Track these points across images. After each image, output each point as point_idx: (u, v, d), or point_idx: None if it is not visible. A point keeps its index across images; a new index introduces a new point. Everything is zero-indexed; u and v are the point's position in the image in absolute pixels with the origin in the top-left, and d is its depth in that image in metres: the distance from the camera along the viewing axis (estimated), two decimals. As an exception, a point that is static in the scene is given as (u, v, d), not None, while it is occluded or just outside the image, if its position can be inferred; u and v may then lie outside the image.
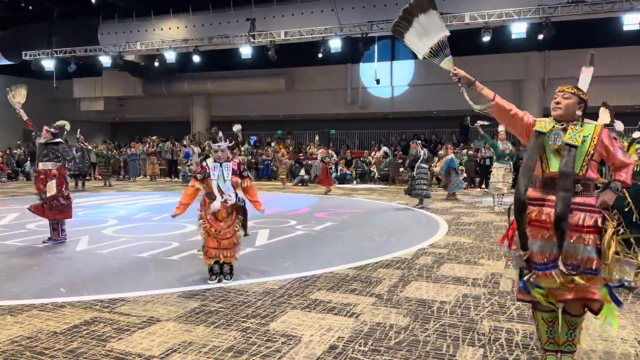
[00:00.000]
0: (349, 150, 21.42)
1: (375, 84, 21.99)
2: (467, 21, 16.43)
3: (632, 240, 4.68)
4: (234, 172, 5.10)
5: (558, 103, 3.00)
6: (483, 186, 16.34)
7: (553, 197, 2.87)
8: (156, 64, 22.57)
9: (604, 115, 5.56)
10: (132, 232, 8.20)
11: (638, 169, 4.74)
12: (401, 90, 23.43)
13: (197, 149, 19.51)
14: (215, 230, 5.02)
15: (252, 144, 25.52)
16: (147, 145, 21.69)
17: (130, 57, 23.95)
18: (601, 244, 2.83)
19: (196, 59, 20.70)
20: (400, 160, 18.41)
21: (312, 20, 19.18)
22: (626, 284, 4.84)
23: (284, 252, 6.66)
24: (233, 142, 16.04)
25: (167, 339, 3.67)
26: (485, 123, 10.01)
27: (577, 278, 2.82)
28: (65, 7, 23.45)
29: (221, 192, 5.01)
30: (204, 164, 5.20)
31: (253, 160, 21.16)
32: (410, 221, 9.73)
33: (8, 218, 9.64)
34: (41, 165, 7.30)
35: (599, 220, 2.86)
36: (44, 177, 7.23)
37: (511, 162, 11.09)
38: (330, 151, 17.85)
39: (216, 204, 4.98)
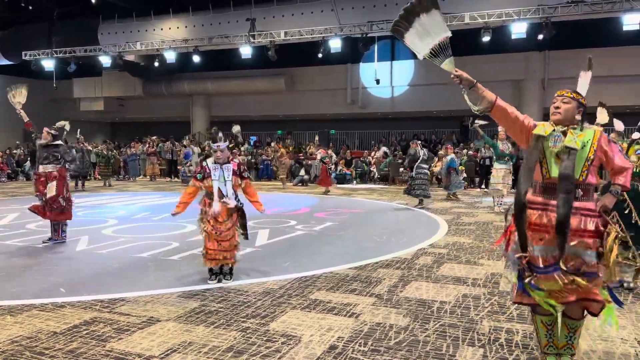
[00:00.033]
0: (348, 150, 21.43)
1: (375, 84, 21.98)
2: (467, 21, 16.43)
3: (630, 243, 4.70)
4: (234, 173, 5.10)
5: (557, 108, 3.00)
6: (483, 186, 16.34)
7: (554, 202, 2.88)
8: (156, 64, 22.56)
9: (602, 115, 5.57)
10: (132, 232, 8.20)
11: (637, 170, 4.74)
12: (401, 90, 23.42)
13: (197, 149, 19.52)
14: (216, 233, 5.02)
15: (252, 144, 25.52)
16: (147, 145, 21.70)
17: (130, 57, 23.93)
18: (602, 247, 2.84)
19: (196, 59, 20.69)
20: (400, 161, 18.42)
21: (312, 20, 19.18)
22: (625, 284, 4.86)
23: (284, 252, 6.66)
24: (233, 144, 16.09)
25: (167, 339, 3.67)
26: (484, 123, 10.01)
27: (577, 278, 2.82)
28: (65, 7, 23.44)
29: (221, 194, 5.02)
30: (204, 163, 5.20)
31: (253, 161, 21.17)
32: (410, 221, 9.73)
33: (8, 218, 9.64)
34: (41, 168, 7.29)
35: (600, 224, 2.88)
36: (44, 179, 7.23)
37: (511, 163, 11.09)
38: (329, 152, 17.84)
39: (216, 207, 4.98)
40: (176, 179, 20.30)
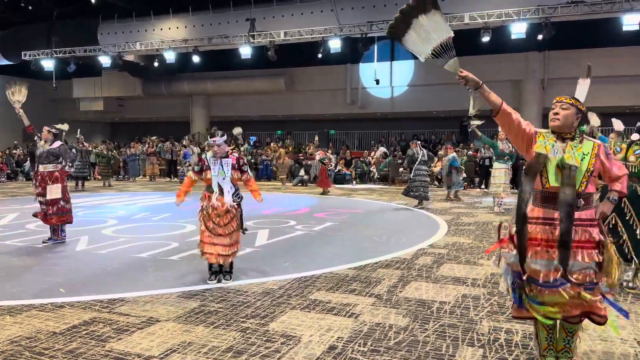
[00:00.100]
0: (348, 151, 21.42)
1: (375, 84, 21.98)
2: (466, 21, 16.42)
3: (629, 246, 4.72)
4: (233, 167, 5.10)
5: (556, 114, 3.00)
6: (483, 186, 16.35)
7: (556, 215, 2.90)
8: (156, 64, 22.55)
9: (593, 118, 5.77)
10: (132, 232, 8.19)
11: (636, 170, 4.76)
12: (401, 90, 23.42)
13: (196, 149, 19.51)
14: (212, 226, 5.02)
15: (251, 144, 25.51)
16: (147, 146, 21.70)
17: (129, 57, 23.92)
18: (603, 260, 2.88)
19: (196, 59, 20.69)
20: (399, 161, 18.43)
21: (311, 21, 19.17)
22: (625, 284, 4.87)
23: (283, 252, 6.66)
24: (233, 145, 16.10)
25: (167, 339, 3.67)
26: (479, 123, 9.99)
27: (583, 292, 2.84)
28: (65, 7, 23.43)
29: (221, 189, 5.02)
30: (203, 156, 5.22)
31: (253, 161, 21.16)
32: (410, 221, 9.73)
33: (8, 218, 9.64)
34: (42, 168, 7.29)
35: (599, 234, 2.92)
36: (45, 179, 7.22)
37: (510, 163, 11.08)
38: (328, 154, 17.80)
39: (215, 200, 4.99)
40: (176, 179, 20.30)
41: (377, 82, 21.53)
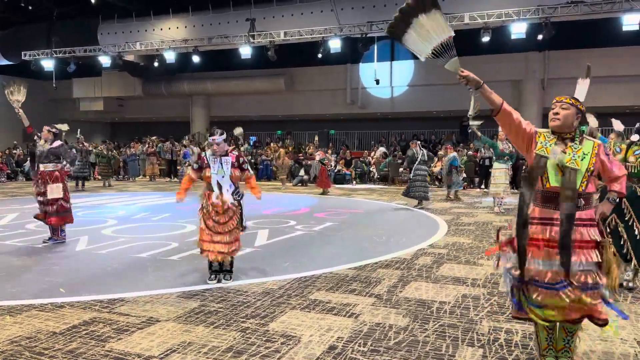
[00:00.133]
0: (348, 151, 21.41)
1: (375, 84, 21.98)
2: (466, 21, 16.42)
3: (628, 247, 4.72)
4: (232, 165, 5.10)
5: (556, 114, 3.01)
6: (482, 186, 16.34)
7: (557, 215, 2.90)
8: (156, 64, 22.55)
9: (591, 119, 5.78)
10: (132, 232, 8.19)
11: (636, 171, 4.76)
12: (401, 90, 23.42)
13: (196, 149, 19.50)
14: (212, 224, 5.02)
15: (251, 144, 25.51)
16: (147, 146, 21.69)
17: (129, 57, 23.92)
18: (602, 260, 2.89)
19: (196, 59, 20.68)
20: (399, 161, 18.43)
21: (311, 21, 19.17)
22: (625, 284, 4.87)
23: (283, 252, 6.66)
24: (233, 145, 16.08)
25: (167, 339, 3.67)
26: (479, 123, 9.98)
27: (584, 297, 2.84)
28: (65, 7, 23.43)
29: (220, 187, 5.02)
30: (203, 154, 5.23)
31: (253, 161, 21.16)
32: (410, 221, 9.73)
33: (7, 218, 9.64)
34: (42, 167, 7.29)
35: (598, 235, 2.92)
36: (45, 179, 7.22)
37: (510, 163, 11.08)
38: (328, 155, 17.80)
39: (215, 199, 5.00)
40: (176, 179, 20.29)
41: (377, 82, 21.53)
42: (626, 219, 4.74)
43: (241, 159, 5.22)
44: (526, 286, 2.97)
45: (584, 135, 3.05)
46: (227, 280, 5.14)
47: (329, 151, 19.39)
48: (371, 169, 20.17)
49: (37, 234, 7.78)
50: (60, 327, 3.91)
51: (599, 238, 2.91)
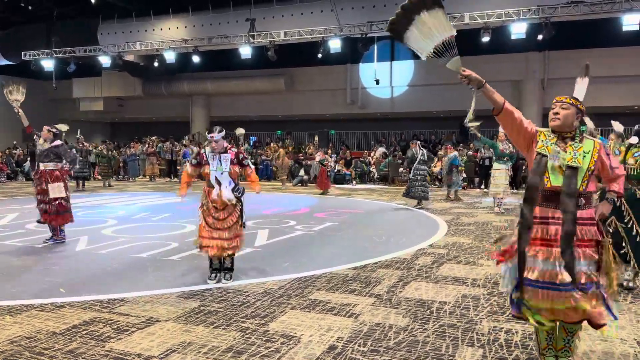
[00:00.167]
0: (348, 151, 21.41)
1: (375, 84, 21.98)
2: (466, 21, 16.43)
3: (628, 248, 4.73)
4: (232, 162, 5.10)
5: (557, 114, 3.00)
6: (482, 186, 16.34)
7: (558, 214, 2.90)
8: (156, 64, 22.55)
9: (588, 122, 5.79)
10: (132, 232, 8.19)
11: (635, 173, 4.76)
12: (401, 90, 23.42)
13: (196, 149, 19.51)
14: (212, 221, 5.02)
15: (251, 144, 25.51)
16: (147, 146, 21.69)
17: (129, 57, 23.92)
18: (602, 260, 2.89)
19: (196, 59, 20.69)
20: (399, 161, 18.43)
21: (311, 21, 19.18)
22: (625, 284, 4.87)
23: (283, 252, 6.66)
24: (233, 145, 16.12)
25: (167, 339, 3.67)
26: (478, 124, 9.97)
27: (582, 303, 2.83)
28: (65, 7, 23.43)
29: (219, 183, 5.03)
30: (202, 151, 5.24)
31: (253, 161, 21.16)
32: (410, 221, 9.73)
33: (7, 218, 9.64)
34: (42, 166, 7.28)
35: (598, 234, 2.93)
36: (46, 178, 7.22)
37: (510, 163, 11.07)
38: (328, 156, 17.78)
39: (214, 195, 5.00)
40: (176, 179, 20.29)
41: (377, 82, 21.53)
42: (625, 220, 4.75)
43: (240, 155, 5.22)
44: (526, 287, 2.96)
45: (584, 135, 3.05)
46: (227, 279, 5.14)
47: (329, 152, 19.40)
48: (371, 169, 20.17)
49: (37, 234, 7.78)
50: (60, 327, 3.91)
51: (599, 237, 2.92)
